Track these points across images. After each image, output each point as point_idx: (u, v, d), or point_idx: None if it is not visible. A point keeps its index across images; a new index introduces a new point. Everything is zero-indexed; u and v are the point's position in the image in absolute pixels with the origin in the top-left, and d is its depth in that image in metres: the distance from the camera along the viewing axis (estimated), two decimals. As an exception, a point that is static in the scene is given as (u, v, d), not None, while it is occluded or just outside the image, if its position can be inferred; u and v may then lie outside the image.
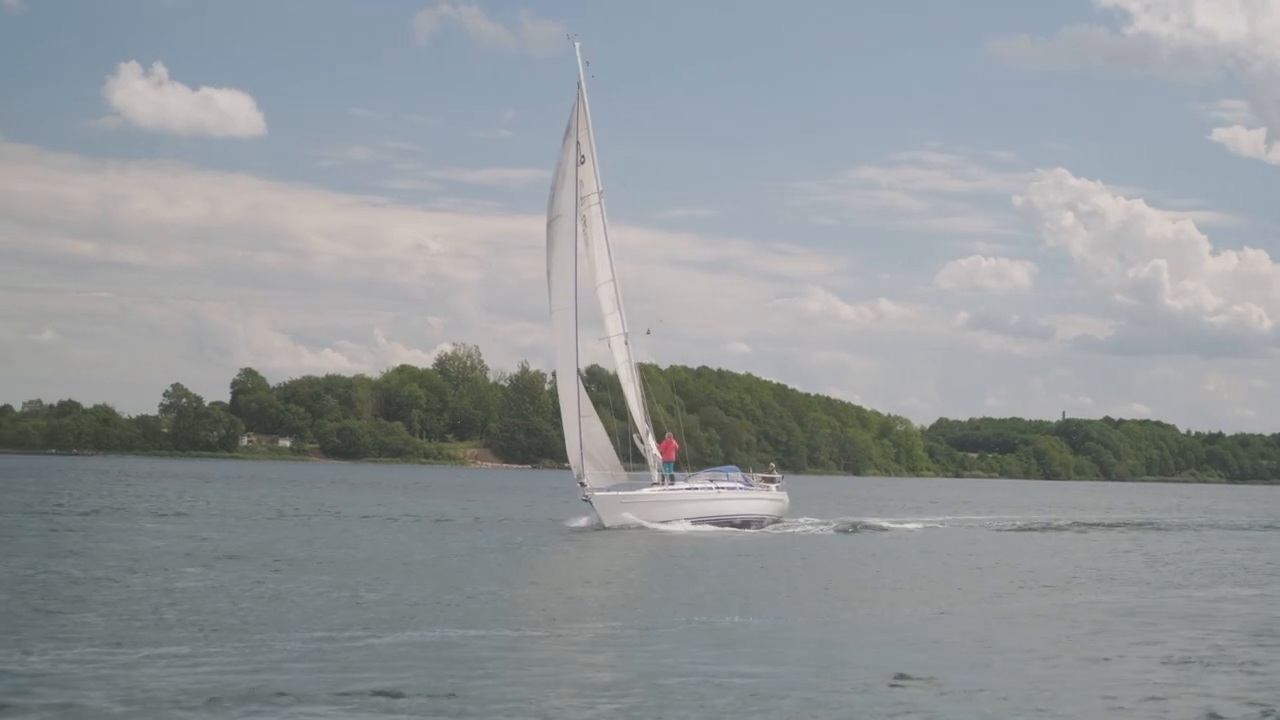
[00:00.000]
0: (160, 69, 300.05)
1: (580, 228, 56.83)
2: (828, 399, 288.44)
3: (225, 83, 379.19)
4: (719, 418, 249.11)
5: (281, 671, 19.07)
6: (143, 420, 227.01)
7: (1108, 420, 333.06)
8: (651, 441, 58.35)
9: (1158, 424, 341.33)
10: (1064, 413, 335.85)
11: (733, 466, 64.05)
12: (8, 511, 53.58)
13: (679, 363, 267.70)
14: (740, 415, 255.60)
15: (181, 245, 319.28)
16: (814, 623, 26.82)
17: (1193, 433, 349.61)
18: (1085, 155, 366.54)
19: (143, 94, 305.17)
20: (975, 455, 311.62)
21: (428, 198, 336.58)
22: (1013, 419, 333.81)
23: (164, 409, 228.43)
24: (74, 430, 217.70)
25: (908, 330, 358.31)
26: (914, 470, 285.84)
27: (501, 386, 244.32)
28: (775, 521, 59.70)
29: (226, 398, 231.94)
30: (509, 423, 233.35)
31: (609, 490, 55.07)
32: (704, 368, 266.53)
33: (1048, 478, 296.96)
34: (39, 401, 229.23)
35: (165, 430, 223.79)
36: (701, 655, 21.67)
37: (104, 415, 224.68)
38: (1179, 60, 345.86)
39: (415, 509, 68.34)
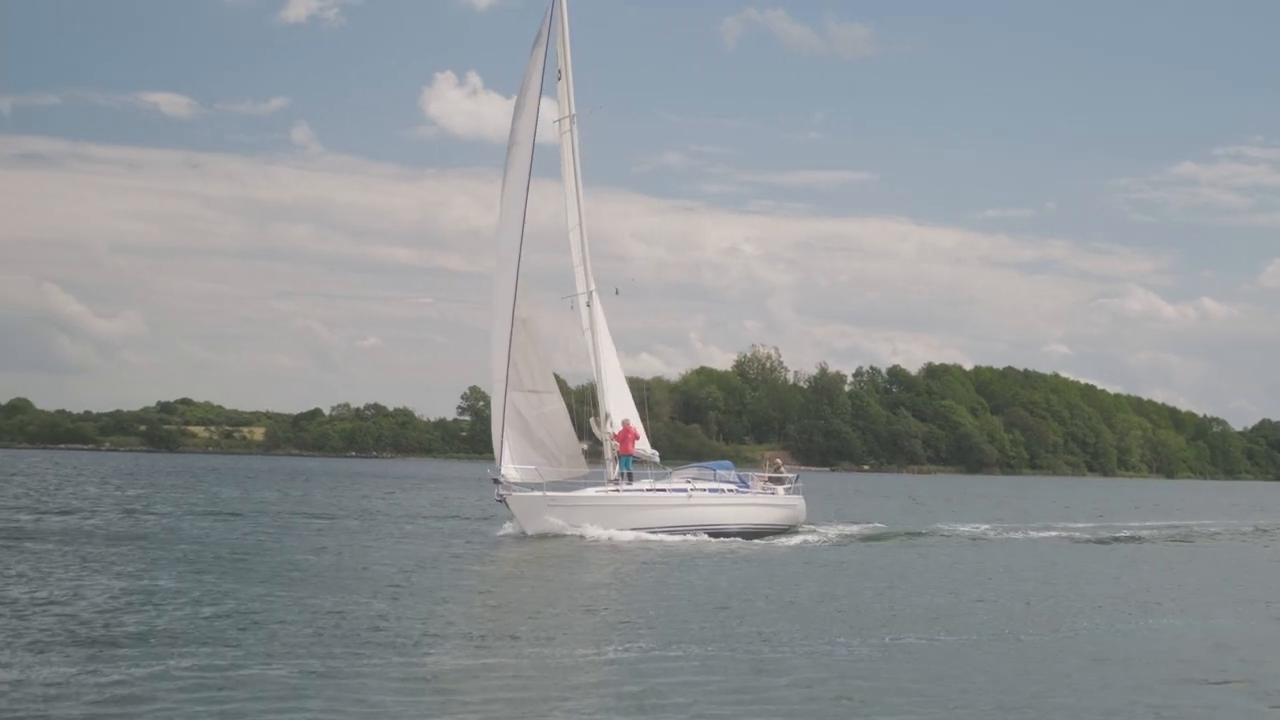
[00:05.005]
0: (474, 78, 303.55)
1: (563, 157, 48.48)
2: (1139, 399, 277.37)
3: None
4: (1024, 419, 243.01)
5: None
6: (441, 424, 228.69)
7: None
8: (609, 427, 48.11)
9: None
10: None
11: (726, 463, 53.22)
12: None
13: (986, 363, 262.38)
14: (1046, 416, 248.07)
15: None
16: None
17: None
18: None
19: (457, 103, 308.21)
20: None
21: (740, 200, 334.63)
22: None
23: (460, 411, 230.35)
24: (373, 433, 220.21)
25: (1233, 330, 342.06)
26: (1231, 473, 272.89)
27: (800, 388, 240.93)
28: (779, 532, 48.49)
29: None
30: (807, 424, 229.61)
31: (533, 490, 44.53)
32: (1009, 368, 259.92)
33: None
34: (346, 405, 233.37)
35: (464, 434, 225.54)
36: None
37: (403, 419, 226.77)
38: None
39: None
